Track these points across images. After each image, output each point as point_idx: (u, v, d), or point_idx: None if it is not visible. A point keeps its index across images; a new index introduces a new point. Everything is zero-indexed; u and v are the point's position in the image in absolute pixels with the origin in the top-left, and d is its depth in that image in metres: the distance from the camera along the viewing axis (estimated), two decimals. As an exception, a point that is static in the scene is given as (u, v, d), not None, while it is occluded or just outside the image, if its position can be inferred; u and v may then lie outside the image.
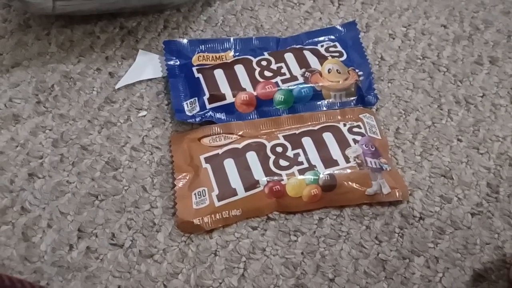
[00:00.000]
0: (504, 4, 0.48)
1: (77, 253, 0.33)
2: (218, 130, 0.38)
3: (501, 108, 0.41)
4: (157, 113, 0.40)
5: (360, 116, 0.39)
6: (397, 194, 0.36)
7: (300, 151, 0.37)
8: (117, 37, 0.44)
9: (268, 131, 0.38)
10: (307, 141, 0.37)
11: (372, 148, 0.37)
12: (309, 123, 0.39)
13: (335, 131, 0.38)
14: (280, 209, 0.35)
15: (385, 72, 0.43)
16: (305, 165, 0.36)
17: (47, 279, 0.32)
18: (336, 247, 0.34)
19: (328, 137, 0.37)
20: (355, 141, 0.37)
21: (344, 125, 0.38)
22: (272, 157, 0.36)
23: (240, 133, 0.38)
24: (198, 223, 0.34)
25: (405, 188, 0.36)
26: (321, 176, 0.35)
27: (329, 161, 0.36)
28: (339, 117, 0.39)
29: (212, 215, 0.34)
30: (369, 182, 0.36)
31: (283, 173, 0.35)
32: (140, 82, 0.41)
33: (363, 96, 0.40)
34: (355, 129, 0.38)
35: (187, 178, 0.36)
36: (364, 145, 0.37)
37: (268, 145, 0.37)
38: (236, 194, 0.34)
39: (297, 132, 0.38)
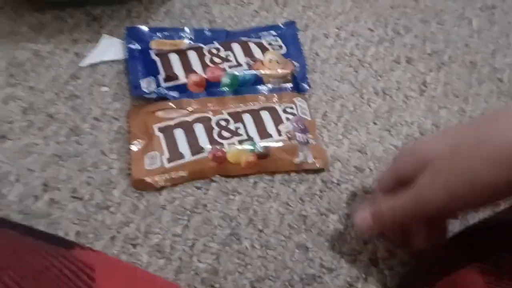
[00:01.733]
0: (423, 13, 0.57)
1: (42, 203, 0.38)
2: (171, 105, 0.44)
3: (412, 99, 0.49)
4: (117, 89, 0.45)
5: (294, 99, 0.46)
6: (318, 163, 0.42)
7: (240, 124, 0.43)
8: (84, 22, 0.49)
9: (215, 108, 0.44)
10: (247, 117, 0.44)
11: (302, 126, 0.44)
12: (250, 103, 0.45)
13: (272, 110, 0.44)
14: (221, 172, 0.41)
15: (318, 65, 0.50)
16: (244, 136, 0.42)
17: (14, 224, 0.37)
18: (266, 205, 0.41)
19: (265, 114, 0.44)
20: (288, 119, 0.44)
21: (280, 106, 0.45)
22: (217, 129, 0.42)
23: (190, 109, 0.44)
24: (150, 181, 0.39)
25: (326, 159, 0.43)
26: (256, 146, 0.42)
27: (264, 134, 0.43)
28: (276, 100, 0.46)
29: (162, 175, 0.40)
30: (297, 153, 0.42)
31: (225, 142, 0.42)
32: (103, 62, 0.46)
33: (298, 84, 0.47)
34: (289, 110, 0.45)
35: (141, 143, 0.41)
36: (295, 123, 0.44)
37: (214, 119, 0.43)
38: (183, 157, 0.40)
39: (239, 110, 0.44)
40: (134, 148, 0.41)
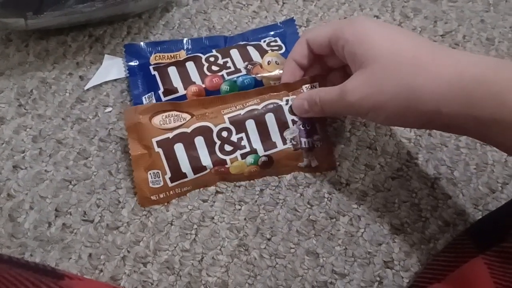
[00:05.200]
0: (433, -8, 0.54)
1: (55, 228, 0.39)
2: (169, 107, 0.41)
3: (424, 86, 0.47)
4: (121, 108, 0.46)
5: (303, 87, 0.42)
6: (324, 167, 0.41)
7: (243, 135, 0.42)
8: (86, 44, 0.50)
9: (215, 108, 0.41)
10: (250, 124, 0.42)
11: (308, 126, 0.42)
12: (254, 99, 0.42)
13: (277, 112, 0.42)
14: (224, 181, 0.41)
15: (323, 60, 0.49)
16: (247, 149, 0.41)
17: (31, 251, 0.38)
18: (274, 212, 0.40)
19: (270, 118, 0.42)
20: (294, 122, 0.42)
21: (287, 102, 0.42)
22: (218, 143, 0.41)
23: (189, 110, 0.41)
24: (155, 199, 0.40)
25: (333, 161, 0.42)
26: (260, 158, 0.41)
27: (268, 144, 0.41)
28: (282, 93, 0.42)
29: (166, 192, 0.40)
30: (301, 159, 0.41)
31: (227, 158, 0.41)
32: (106, 82, 0.47)
33: (300, 83, 0.46)
34: None
35: (143, 158, 0.41)
36: (301, 125, 0.42)
37: (215, 130, 0.42)
38: (186, 177, 0.40)
39: (242, 113, 0.42)
40: (136, 163, 0.40)
